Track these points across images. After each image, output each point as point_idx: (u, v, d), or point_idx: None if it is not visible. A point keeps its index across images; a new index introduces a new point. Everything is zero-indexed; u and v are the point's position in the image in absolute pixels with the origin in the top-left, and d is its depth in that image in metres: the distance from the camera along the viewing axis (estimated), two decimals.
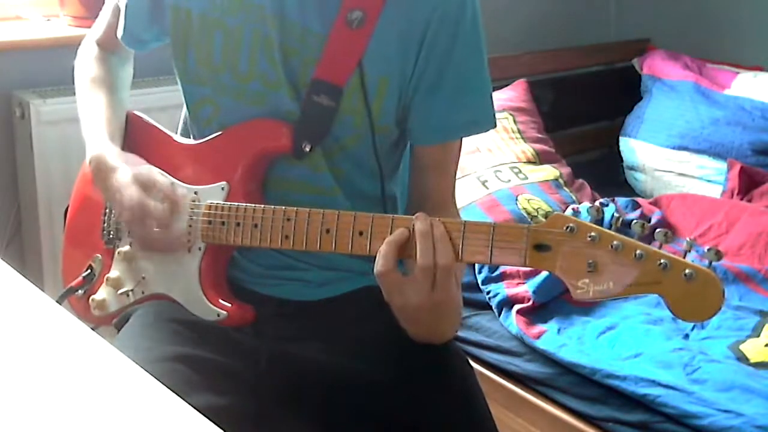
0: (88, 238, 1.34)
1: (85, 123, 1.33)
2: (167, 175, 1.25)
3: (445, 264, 1.05)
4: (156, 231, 1.19)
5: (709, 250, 0.99)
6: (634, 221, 1.01)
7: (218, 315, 1.20)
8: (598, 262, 1.00)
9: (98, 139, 1.28)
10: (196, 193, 1.23)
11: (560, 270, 1.02)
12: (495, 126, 1.27)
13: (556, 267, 1.02)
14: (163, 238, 1.20)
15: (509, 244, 1.04)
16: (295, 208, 1.14)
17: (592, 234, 1.00)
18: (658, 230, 1.01)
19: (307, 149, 1.20)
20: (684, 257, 0.99)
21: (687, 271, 0.97)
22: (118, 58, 1.42)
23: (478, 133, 1.29)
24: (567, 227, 1.02)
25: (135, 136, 1.34)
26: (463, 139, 1.31)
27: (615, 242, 0.99)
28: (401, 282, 1.07)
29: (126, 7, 1.32)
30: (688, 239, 1.01)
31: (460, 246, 1.06)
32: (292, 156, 1.20)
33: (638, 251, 0.98)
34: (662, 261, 0.97)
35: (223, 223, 1.19)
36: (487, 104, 1.26)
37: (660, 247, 1.00)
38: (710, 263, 0.99)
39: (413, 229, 1.07)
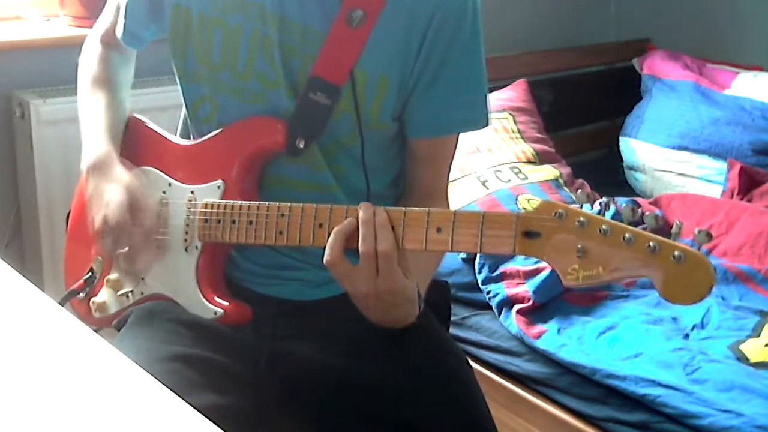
0: (90, 241, 1.33)
1: (84, 123, 1.33)
2: (165, 176, 1.25)
3: (385, 250, 1.05)
4: (120, 251, 1.21)
5: (699, 231, 0.98)
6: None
7: (215, 313, 1.20)
8: (587, 247, 0.98)
9: (98, 141, 1.28)
10: (192, 192, 1.23)
11: (549, 256, 1.01)
12: (488, 125, 1.28)
13: (545, 253, 1.01)
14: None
15: (499, 232, 1.03)
16: (289, 204, 1.14)
17: (581, 219, 0.99)
18: (647, 214, 1.00)
19: (301, 146, 1.20)
20: (673, 240, 0.98)
21: (676, 253, 0.95)
22: (121, 55, 1.42)
23: (471, 131, 1.29)
24: (556, 213, 1.01)
25: (132, 140, 1.34)
26: (463, 138, 1.31)
27: (603, 226, 0.98)
28: (350, 271, 1.08)
29: (126, 6, 1.33)
30: (676, 221, 1.00)
31: (401, 234, 1.06)
32: (286, 153, 1.20)
33: (627, 235, 0.97)
34: (651, 243, 0.96)
35: (219, 221, 1.19)
36: (482, 103, 1.27)
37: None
38: (700, 246, 0.97)
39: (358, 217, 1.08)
